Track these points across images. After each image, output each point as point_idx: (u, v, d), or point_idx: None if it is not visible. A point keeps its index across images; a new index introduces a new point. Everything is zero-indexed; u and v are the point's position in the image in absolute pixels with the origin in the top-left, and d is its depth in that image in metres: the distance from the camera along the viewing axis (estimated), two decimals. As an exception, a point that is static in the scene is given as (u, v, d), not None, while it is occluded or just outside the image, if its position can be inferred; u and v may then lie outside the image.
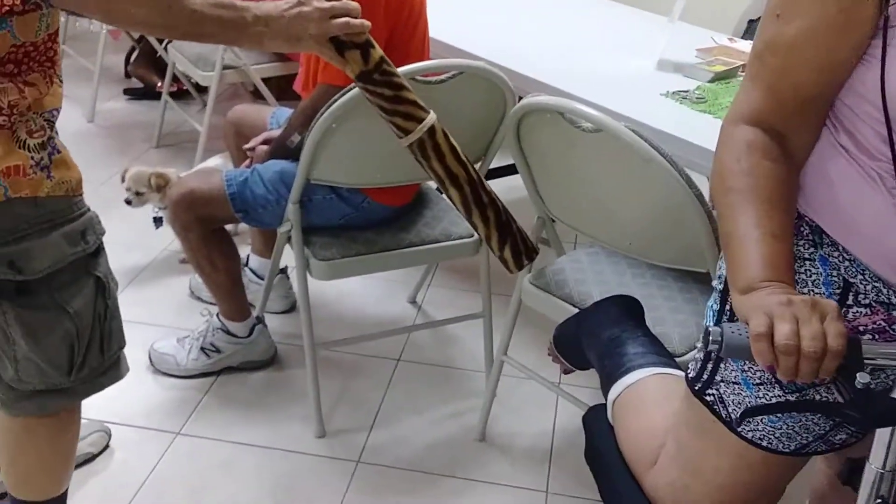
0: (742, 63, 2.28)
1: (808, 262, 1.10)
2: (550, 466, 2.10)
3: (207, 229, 2.12)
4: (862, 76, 0.99)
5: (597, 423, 1.49)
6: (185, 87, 3.99)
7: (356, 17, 1.30)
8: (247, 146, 2.23)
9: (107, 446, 2.06)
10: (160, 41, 3.70)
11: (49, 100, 1.30)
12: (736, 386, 1.14)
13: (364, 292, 2.69)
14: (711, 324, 1.18)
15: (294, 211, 2.01)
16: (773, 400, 1.11)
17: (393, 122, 1.35)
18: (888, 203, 1.00)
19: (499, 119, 2.01)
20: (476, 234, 2.16)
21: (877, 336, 1.08)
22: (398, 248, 2.10)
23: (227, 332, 2.30)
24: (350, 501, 1.97)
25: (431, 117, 1.36)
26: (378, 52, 1.33)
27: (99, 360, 1.40)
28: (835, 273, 1.09)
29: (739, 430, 1.15)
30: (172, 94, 4.04)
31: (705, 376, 1.19)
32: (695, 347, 1.76)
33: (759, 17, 3.06)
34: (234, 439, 2.12)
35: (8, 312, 1.28)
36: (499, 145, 2.08)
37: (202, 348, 2.31)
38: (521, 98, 2.02)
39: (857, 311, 1.08)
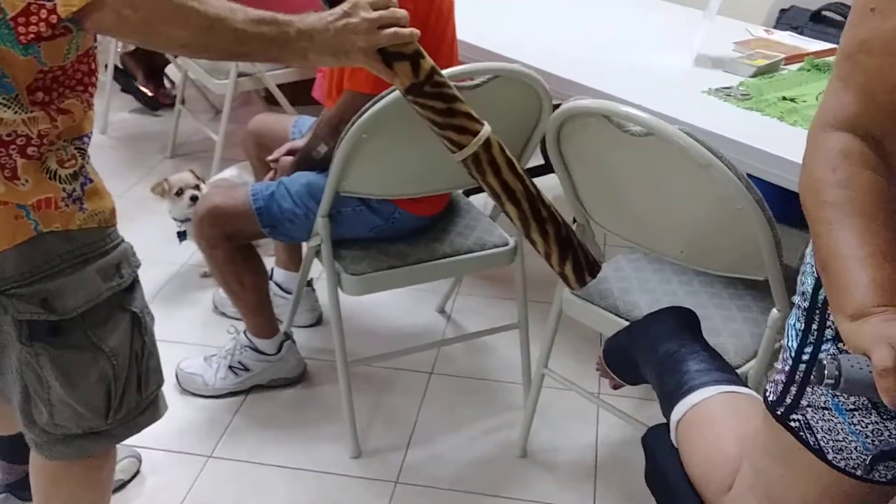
0: (783, 56, 2.19)
1: None
2: (596, 482, 2.02)
3: (234, 245, 2.04)
4: None
5: (659, 445, 1.41)
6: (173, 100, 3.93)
7: (404, 26, 1.21)
8: (270, 158, 2.15)
9: (138, 472, 1.99)
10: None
11: (83, 126, 1.22)
12: (826, 412, 1.06)
13: (391, 303, 2.61)
14: (794, 344, 1.10)
15: (324, 225, 1.93)
16: (870, 427, 1.03)
17: (445, 136, 1.27)
18: None
19: (534, 122, 1.93)
20: (511, 244, 2.09)
21: None
22: (432, 260, 2.02)
23: (256, 350, 2.23)
24: (390, 525, 1.90)
25: (486, 129, 1.27)
26: (428, 61, 1.24)
27: (137, 399, 1.32)
28: None
29: (831, 459, 1.07)
30: (149, 101, 3.99)
31: (788, 400, 1.10)
32: (753, 357, 1.68)
33: (791, 7, 2.95)
34: (266, 461, 2.05)
35: (41, 354, 1.20)
36: (533, 149, 2.00)
37: (230, 367, 2.23)
38: (556, 101, 1.95)
39: None
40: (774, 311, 1.62)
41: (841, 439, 1.05)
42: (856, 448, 1.05)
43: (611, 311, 1.82)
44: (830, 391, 1.05)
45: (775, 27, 2.73)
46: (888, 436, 1.04)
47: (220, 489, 1.97)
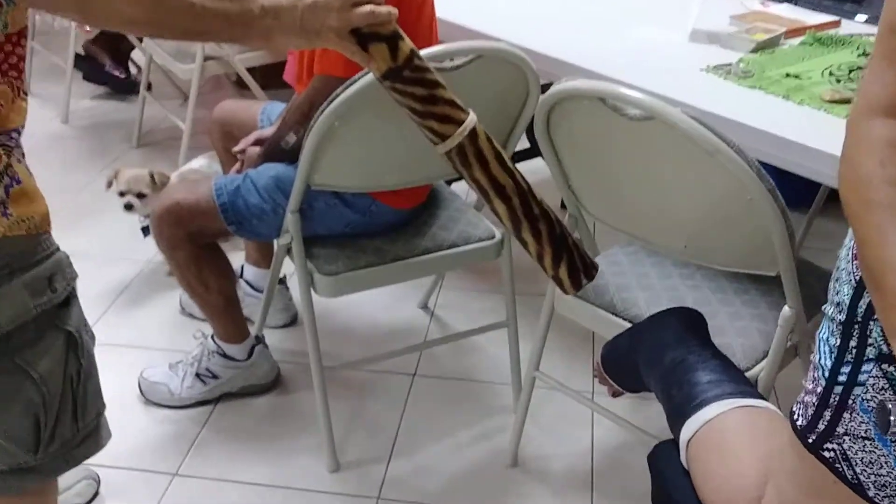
0: (783, 29, 2.05)
1: None
2: (593, 491, 1.88)
3: (197, 245, 1.88)
4: None
5: (668, 465, 1.27)
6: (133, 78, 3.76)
7: (381, 4, 1.07)
8: (236, 149, 1.98)
9: (96, 494, 1.83)
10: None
11: (9, 117, 1.06)
12: (867, 442, 0.92)
13: (370, 300, 2.45)
14: (829, 363, 0.96)
15: (294, 221, 1.78)
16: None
17: (427, 126, 1.13)
18: None
19: (520, 106, 1.78)
20: (497, 237, 1.94)
21: None
22: (412, 257, 1.87)
23: (224, 356, 2.07)
24: (373, 545, 1.75)
25: (472, 118, 1.13)
26: (408, 44, 1.10)
27: (72, 430, 1.16)
28: None
29: (873, 496, 0.92)
30: (123, 85, 3.82)
31: (821, 426, 0.96)
32: (762, 358, 1.54)
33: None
34: (237, 478, 1.90)
35: None
36: (520, 135, 1.85)
37: (197, 374, 2.07)
38: (543, 82, 1.80)
39: None
40: (786, 308, 1.48)
41: (885, 474, 0.91)
42: (899, 480, 0.91)
43: (607, 310, 1.68)
44: (867, 412, 0.91)
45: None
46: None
47: (187, 510, 1.82)
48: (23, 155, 1.14)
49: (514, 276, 1.99)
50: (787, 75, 1.81)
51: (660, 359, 1.38)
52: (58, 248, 1.16)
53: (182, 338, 2.25)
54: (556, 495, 1.86)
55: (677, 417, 1.27)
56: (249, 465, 1.92)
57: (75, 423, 1.15)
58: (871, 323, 0.90)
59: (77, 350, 1.13)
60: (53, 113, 3.67)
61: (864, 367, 0.91)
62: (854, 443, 0.93)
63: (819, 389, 0.97)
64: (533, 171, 2.47)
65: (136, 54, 3.83)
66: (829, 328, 0.97)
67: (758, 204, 1.33)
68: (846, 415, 0.93)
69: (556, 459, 1.96)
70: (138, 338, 2.32)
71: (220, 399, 2.10)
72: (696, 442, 1.21)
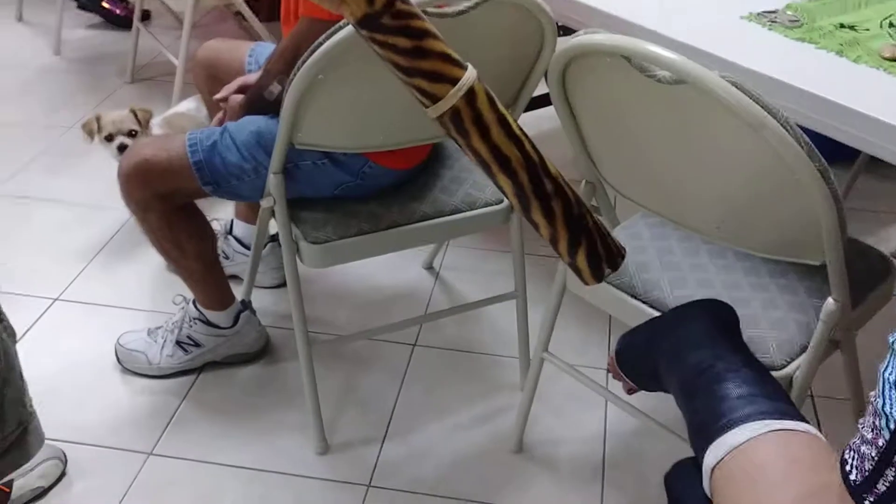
0: (838, -30, 1.80)
1: None
2: (604, 483, 1.72)
3: (170, 207, 1.70)
4: None
5: (687, 493, 1.10)
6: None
7: None
8: (217, 96, 1.78)
9: (63, 475, 1.69)
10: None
11: None
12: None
13: (369, 259, 2.27)
14: (894, 409, 0.77)
15: (277, 183, 1.59)
16: None
17: (414, 85, 0.92)
18: None
19: (533, 58, 1.56)
20: (505, 200, 1.74)
21: None
22: (410, 223, 1.67)
23: (207, 323, 1.91)
24: (360, 540, 1.60)
25: (470, 75, 0.93)
26: None
27: None
28: None
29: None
30: (121, 20, 3.61)
31: (883, 487, 0.78)
32: (799, 354, 1.35)
33: None
34: (217, 459, 1.75)
35: None
36: (532, 90, 1.64)
37: (178, 342, 1.92)
38: (561, 29, 1.58)
39: None
40: (830, 300, 1.29)
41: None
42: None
43: (625, 292, 1.49)
44: None
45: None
46: None
47: (160, 495, 1.67)
48: None
49: (524, 243, 1.80)
50: (841, 26, 1.58)
51: (682, 360, 1.19)
52: None
53: (166, 298, 2.08)
54: (563, 486, 1.70)
55: (701, 436, 1.09)
56: (231, 445, 1.77)
57: (-6, 435, 0.99)
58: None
59: None
60: (45, 43, 3.48)
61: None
62: (925, 512, 0.75)
63: (881, 442, 0.79)
64: (547, 117, 2.27)
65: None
66: (894, 364, 0.78)
67: (806, 187, 1.12)
68: (917, 479, 0.75)
69: (563, 445, 1.80)
70: (117, 297, 2.16)
71: (204, 368, 1.95)
72: (722, 470, 1.03)
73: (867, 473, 0.80)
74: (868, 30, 1.57)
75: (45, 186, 2.61)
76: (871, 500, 0.79)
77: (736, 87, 1.08)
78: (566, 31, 1.61)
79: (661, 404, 1.72)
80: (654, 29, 1.52)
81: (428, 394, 1.91)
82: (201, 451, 1.76)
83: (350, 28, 1.33)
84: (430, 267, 2.30)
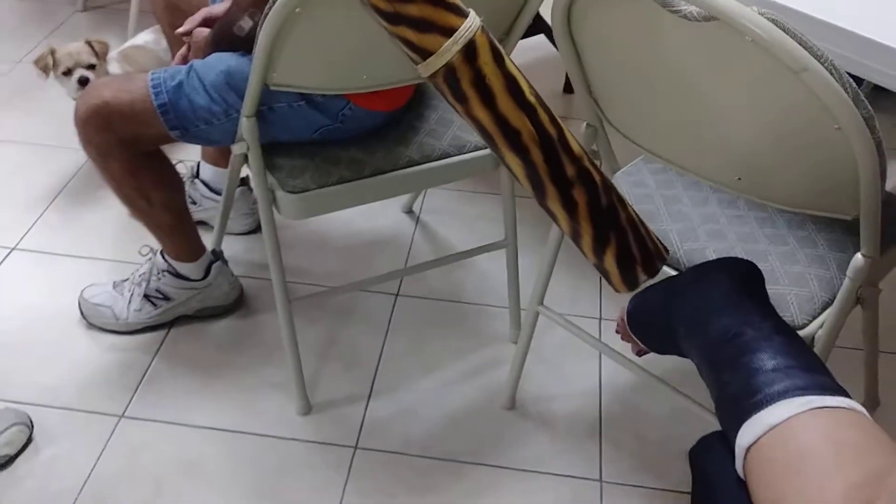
0: None
1: None
2: (602, 441, 1.64)
3: (134, 153, 1.55)
4: None
5: (717, 470, 1.01)
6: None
7: None
8: (180, 30, 1.62)
9: (29, 441, 1.58)
10: None
11: None
12: None
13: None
14: None
15: (250, 127, 1.45)
16: None
17: (399, 35, 0.78)
18: None
19: (531, -14, 1.43)
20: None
21: None
22: (395, 170, 1.55)
23: (177, 275, 1.78)
24: (349, 505, 1.52)
25: (470, 25, 0.78)
26: None
27: None
28: None
29: None
30: None
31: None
32: (821, 311, 1.27)
33: None
34: (193, 421, 1.64)
35: None
36: (530, 19, 1.51)
37: (146, 296, 1.79)
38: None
39: None
40: (859, 256, 1.20)
41: None
42: None
43: (630, 244, 1.39)
44: None
45: None
46: None
47: (134, 461, 1.57)
48: None
49: (514, 189, 1.69)
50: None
51: (705, 327, 1.10)
52: None
53: (131, 247, 1.94)
54: (560, 444, 1.63)
55: (732, 411, 1.00)
56: (208, 406, 1.67)
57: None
58: None
59: None
60: (-13, -32, 3.23)
61: None
62: None
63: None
64: (532, 47, 2.13)
65: None
66: None
67: (848, 135, 1.02)
68: None
69: (558, 401, 1.72)
70: (79, 245, 2.02)
71: (175, 322, 1.83)
72: (760, 451, 0.94)
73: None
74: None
75: (-4, 125, 2.43)
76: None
77: (776, 24, 0.97)
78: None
79: (656, 356, 1.64)
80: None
81: (413, 347, 1.82)
82: (176, 413, 1.65)
83: (332, -45, 1.19)
84: (409, 211, 2.18)
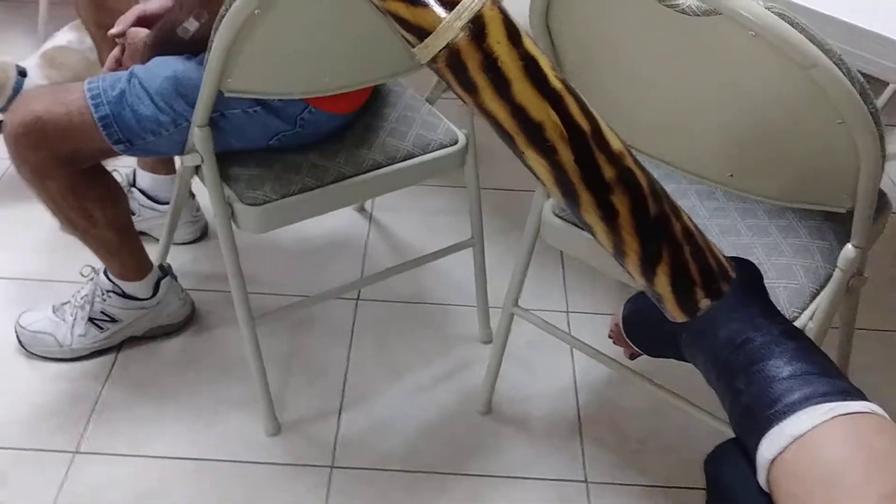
0: None
1: None
2: (582, 439, 1.61)
3: (73, 171, 1.43)
4: None
5: (738, 483, 0.98)
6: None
7: None
8: (113, 32, 1.50)
9: (-26, 487, 1.46)
10: None
11: None
12: None
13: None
14: None
15: (203, 137, 1.35)
16: None
17: (391, 11, 0.65)
18: None
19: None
20: (461, 140, 1.55)
21: None
22: (360, 174, 1.47)
23: (123, 295, 1.67)
24: (330, 529, 1.45)
25: None
26: None
27: None
28: None
29: None
30: None
31: None
32: (808, 303, 1.25)
33: None
34: (154, 452, 1.54)
35: None
36: None
37: (91, 319, 1.67)
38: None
39: None
40: (850, 247, 1.18)
41: None
42: None
43: (611, 242, 1.34)
44: None
45: None
46: None
47: (95, 500, 1.46)
48: None
49: (480, 185, 1.63)
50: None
51: (711, 331, 1.06)
52: None
53: (69, 264, 1.81)
54: (540, 447, 1.58)
55: (748, 422, 0.96)
56: (167, 433, 1.57)
57: None
58: None
59: None
60: None
61: None
62: None
63: None
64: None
65: None
66: None
67: (851, 130, 0.99)
68: None
69: (534, 401, 1.67)
70: (10, 265, 1.88)
71: (123, 345, 1.72)
72: (784, 465, 0.91)
73: None
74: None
75: None
76: None
77: (783, 19, 0.92)
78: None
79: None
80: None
81: (380, 353, 1.75)
82: (134, 444, 1.55)
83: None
84: (361, 209, 2.09)
